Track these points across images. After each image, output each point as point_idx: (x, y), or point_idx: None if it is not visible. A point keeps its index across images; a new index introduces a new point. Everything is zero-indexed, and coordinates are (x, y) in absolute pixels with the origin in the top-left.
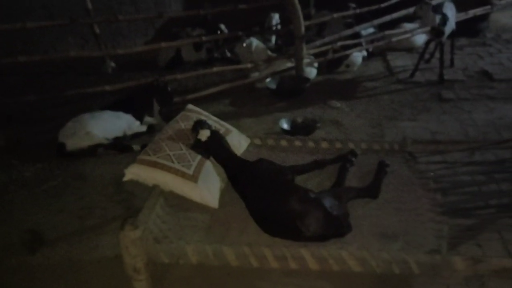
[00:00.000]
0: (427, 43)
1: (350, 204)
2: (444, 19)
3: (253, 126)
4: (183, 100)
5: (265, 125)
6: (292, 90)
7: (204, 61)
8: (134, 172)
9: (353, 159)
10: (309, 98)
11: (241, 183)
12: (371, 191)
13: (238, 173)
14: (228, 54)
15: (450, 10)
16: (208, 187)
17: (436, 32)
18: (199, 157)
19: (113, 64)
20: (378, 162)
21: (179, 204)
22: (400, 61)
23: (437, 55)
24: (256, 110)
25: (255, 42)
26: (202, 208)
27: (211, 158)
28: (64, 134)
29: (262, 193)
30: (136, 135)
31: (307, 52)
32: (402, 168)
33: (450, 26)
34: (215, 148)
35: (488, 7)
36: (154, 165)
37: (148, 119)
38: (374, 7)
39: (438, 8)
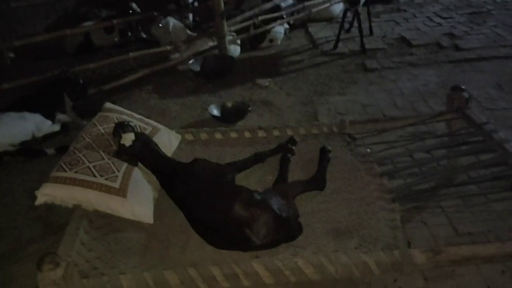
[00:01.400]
0: (344, 13)
1: (297, 200)
2: None
3: (181, 114)
4: (99, 91)
5: (194, 111)
6: (218, 71)
7: (118, 44)
8: (48, 193)
9: (293, 147)
10: (236, 78)
11: (176, 189)
12: (317, 182)
13: (172, 178)
14: (144, 35)
15: None
16: (139, 200)
17: (350, 1)
18: (125, 165)
19: (11, 55)
20: (320, 149)
21: (107, 224)
22: (322, 32)
23: (356, 24)
24: (182, 95)
25: (172, 21)
26: (135, 225)
27: (140, 164)
28: None
29: (202, 199)
30: (49, 136)
31: (228, 29)
32: (344, 152)
33: None
34: (143, 153)
35: None
36: (72, 182)
37: (60, 116)
38: None
39: None
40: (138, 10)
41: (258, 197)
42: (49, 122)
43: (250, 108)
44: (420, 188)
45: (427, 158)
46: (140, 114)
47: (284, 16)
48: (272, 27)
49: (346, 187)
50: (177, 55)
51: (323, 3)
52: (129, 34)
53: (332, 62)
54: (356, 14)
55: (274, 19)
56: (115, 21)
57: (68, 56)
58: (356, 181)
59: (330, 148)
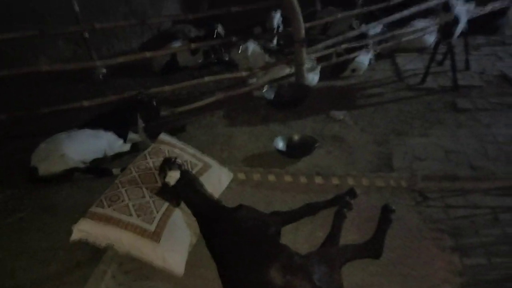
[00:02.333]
0: (437, 44)
1: (346, 267)
2: (456, 18)
3: (246, 144)
4: (172, 113)
5: (260, 142)
6: (292, 100)
7: (201, 65)
8: (84, 230)
9: (352, 201)
10: (310, 108)
11: (214, 238)
12: (372, 249)
13: (212, 224)
14: (226, 57)
15: (460, 8)
16: (173, 247)
17: (443, 33)
18: (165, 205)
19: (104, 70)
20: (382, 207)
21: (137, 269)
22: (411, 64)
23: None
24: (252, 123)
25: (251, 46)
26: (165, 273)
27: (182, 205)
28: (36, 157)
29: (238, 254)
30: (119, 155)
31: (308, 56)
32: (410, 214)
33: (460, 26)
34: (186, 193)
35: (507, 0)
36: (108, 220)
37: (132, 136)
38: (382, 4)
39: (449, 6)
40: (223, 32)
41: (298, 261)
42: (121, 141)
43: (317, 145)
44: (500, 277)
45: None
46: (207, 139)
47: (370, 45)
48: (356, 56)
49: (406, 259)
50: (254, 80)
51: (415, 32)
52: (212, 56)
53: (417, 98)
54: (450, 47)
55: (359, 48)
56: (193, 46)
57: (154, 75)
58: (419, 254)
59: (394, 207)
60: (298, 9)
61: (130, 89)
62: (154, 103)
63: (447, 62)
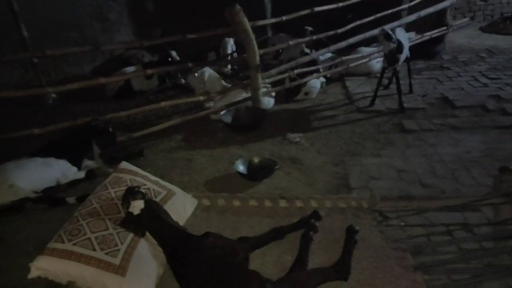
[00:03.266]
0: (383, 70)
1: None
2: (400, 46)
3: (207, 168)
4: (128, 138)
5: (221, 165)
6: (249, 124)
7: (157, 90)
8: (43, 268)
9: (317, 223)
10: (267, 131)
11: (182, 269)
12: (340, 271)
13: (179, 254)
14: (182, 81)
15: (403, 37)
16: (139, 279)
17: (389, 60)
18: (130, 237)
19: (54, 95)
20: (347, 229)
21: None
22: (359, 88)
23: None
24: (211, 146)
25: (207, 71)
26: None
27: (147, 235)
28: None
29: (207, 284)
30: (74, 183)
31: (263, 81)
32: (373, 234)
33: (405, 53)
34: (151, 223)
35: (444, 28)
36: (69, 256)
37: (87, 163)
38: (331, 32)
39: (391, 36)
40: (178, 58)
41: None
42: (75, 169)
43: (277, 167)
44: None
45: (476, 250)
46: (166, 164)
47: (321, 70)
48: (308, 80)
49: (373, 280)
50: (210, 104)
51: (362, 58)
52: (168, 80)
53: (367, 120)
54: (395, 73)
55: (311, 72)
56: (149, 72)
57: (108, 99)
58: (385, 274)
59: (358, 228)
60: (252, 36)
61: (82, 114)
62: (110, 129)
63: (393, 86)
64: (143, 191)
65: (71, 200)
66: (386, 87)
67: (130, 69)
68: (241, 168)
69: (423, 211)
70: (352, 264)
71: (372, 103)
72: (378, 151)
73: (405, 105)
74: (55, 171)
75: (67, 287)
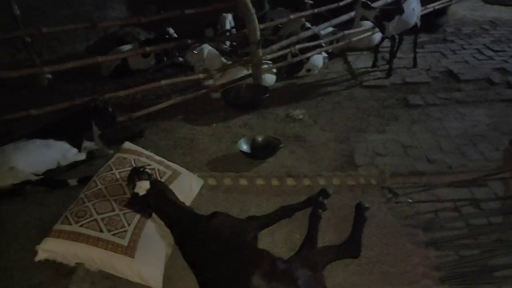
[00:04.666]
0: (381, 40)
1: (328, 268)
2: (382, 14)
3: (209, 147)
4: (129, 118)
5: (223, 144)
6: (250, 101)
7: (154, 68)
8: (50, 249)
9: (325, 201)
10: (269, 108)
11: (191, 249)
12: (351, 248)
13: (187, 234)
14: (180, 59)
15: (410, 4)
16: (149, 261)
17: (379, 27)
18: (137, 218)
19: (49, 76)
20: (355, 206)
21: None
22: (361, 62)
23: (399, 54)
24: (212, 125)
25: (206, 48)
26: None
27: (154, 216)
28: None
29: (218, 264)
30: (74, 165)
31: (264, 57)
32: (383, 211)
33: (406, 22)
34: (157, 203)
35: (448, 0)
36: (76, 237)
37: (87, 144)
38: (332, 6)
39: (367, 4)
40: (175, 35)
41: (282, 266)
42: (75, 151)
43: (281, 145)
44: (475, 268)
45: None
46: (167, 144)
47: (323, 45)
48: (310, 56)
49: (384, 256)
50: (210, 82)
51: (364, 31)
52: (165, 58)
53: (371, 95)
54: (392, 41)
55: (313, 48)
56: (148, 49)
57: (103, 79)
58: (396, 250)
59: (367, 205)
60: (252, 10)
61: (79, 95)
62: (110, 109)
63: (396, 61)
64: (149, 171)
65: (72, 182)
66: (388, 61)
67: (126, 47)
68: (244, 147)
69: (431, 187)
70: (362, 242)
71: (389, 74)
72: (383, 127)
73: (409, 79)
74: (55, 152)
75: (75, 268)
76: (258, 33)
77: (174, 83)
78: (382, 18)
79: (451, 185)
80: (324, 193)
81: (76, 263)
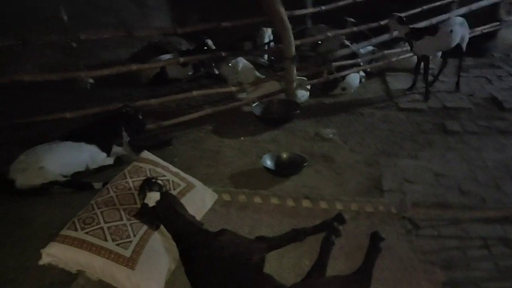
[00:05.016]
0: (418, 62)
1: None
2: (412, 31)
3: (234, 161)
4: (158, 127)
5: (249, 158)
6: (281, 117)
7: (191, 78)
8: (54, 254)
9: (340, 227)
10: (299, 125)
11: (194, 266)
12: (360, 281)
13: (192, 251)
14: (216, 71)
15: (449, 26)
16: (149, 275)
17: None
18: (144, 229)
19: (91, 80)
20: (371, 235)
21: None
22: (400, 83)
23: (441, 77)
24: (240, 139)
25: (241, 62)
26: None
27: (162, 228)
28: (15, 169)
29: (217, 284)
30: (102, 169)
31: (298, 73)
32: (400, 243)
33: (439, 43)
34: (166, 216)
35: (497, 23)
36: (80, 244)
37: (116, 149)
38: (373, 24)
39: (402, 19)
40: (213, 47)
41: None
42: (104, 155)
43: (305, 164)
44: None
45: None
46: (193, 154)
47: (361, 64)
48: (347, 75)
49: None
50: (243, 95)
51: (405, 52)
52: (202, 69)
53: (407, 118)
54: (424, 61)
55: (350, 66)
56: (181, 60)
57: (142, 86)
58: (409, 287)
59: (383, 235)
60: (288, 26)
61: (116, 100)
62: (140, 116)
63: (437, 85)
64: (160, 182)
65: (97, 185)
66: (430, 84)
67: (166, 56)
68: (268, 163)
69: (459, 222)
70: (374, 274)
71: (427, 97)
72: (416, 152)
73: (449, 104)
74: (85, 155)
75: (77, 275)
76: (293, 48)
77: (206, 94)
78: (412, 36)
79: (482, 220)
80: (340, 218)
81: (78, 270)
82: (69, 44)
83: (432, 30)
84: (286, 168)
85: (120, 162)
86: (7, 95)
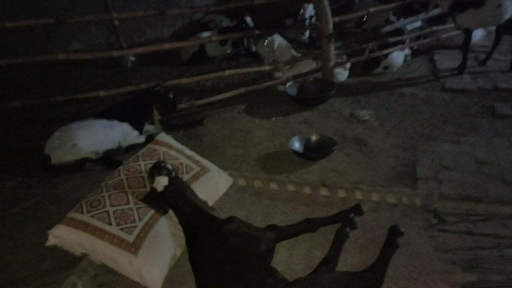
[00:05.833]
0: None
1: None
2: (455, 4)
3: (263, 142)
4: (190, 106)
5: (278, 140)
6: (314, 98)
7: (229, 56)
8: (59, 236)
9: (357, 219)
10: (334, 106)
11: (198, 253)
12: (372, 278)
13: (198, 237)
14: (254, 49)
15: (509, 1)
16: (152, 261)
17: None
18: (150, 214)
19: (132, 58)
20: (389, 229)
21: (112, 282)
22: (449, 62)
23: (495, 55)
24: (272, 119)
25: (277, 40)
26: None
27: (170, 213)
28: (50, 145)
29: (220, 274)
30: (133, 147)
31: (338, 52)
32: (421, 239)
33: (485, 17)
34: (174, 201)
35: None
36: (85, 227)
37: (148, 127)
38: None
39: None
40: (251, 24)
41: None
42: (135, 133)
43: (335, 147)
44: None
45: None
46: (223, 135)
47: (407, 41)
48: (389, 53)
49: None
50: (279, 74)
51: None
52: (241, 47)
53: (452, 100)
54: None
55: (393, 44)
56: (214, 38)
57: (182, 64)
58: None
59: (403, 229)
60: (326, 2)
61: (155, 78)
62: (171, 95)
63: (490, 63)
64: (169, 167)
65: None
66: (482, 63)
67: (206, 34)
68: (297, 145)
69: (491, 218)
70: (388, 272)
71: (486, 59)
72: (459, 137)
73: (501, 85)
74: (117, 133)
75: (81, 258)
76: (331, 26)
77: (240, 73)
78: (454, 8)
79: None
80: (357, 209)
81: (82, 253)
82: (112, 22)
83: (478, 3)
84: (315, 151)
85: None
86: (54, 72)
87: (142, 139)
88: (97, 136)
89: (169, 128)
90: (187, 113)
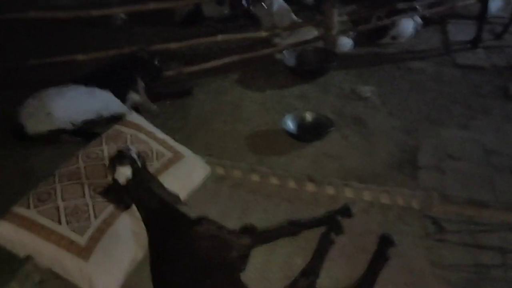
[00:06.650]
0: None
1: None
2: None
3: (254, 117)
4: (178, 74)
5: (270, 116)
6: (314, 69)
7: (227, 17)
8: (1, 234)
9: (342, 225)
10: (334, 79)
11: (159, 256)
12: None
13: (161, 238)
14: (253, 10)
15: None
16: (106, 266)
17: None
18: (108, 210)
19: (123, 16)
20: (380, 237)
21: None
22: (463, 34)
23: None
24: (265, 92)
25: (276, 2)
26: None
27: (134, 209)
28: (23, 114)
29: (180, 284)
30: (115, 118)
31: (342, 18)
32: (416, 250)
33: None
34: (137, 195)
35: None
36: (29, 226)
37: (133, 95)
38: None
39: None
40: None
41: None
42: (118, 102)
43: (331, 129)
44: None
45: None
46: (212, 108)
47: (418, 8)
48: (398, 21)
49: None
50: (279, 40)
51: None
52: (239, 8)
53: (463, 78)
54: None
55: (403, 11)
56: None
57: (176, 24)
58: None
59: (395, 239)
60: None
61: (144, 39)
62: (156, 62)
63: (507, 36)
64: (134, 156)
65: None
66: (498, 36)
67: None
68: (290, 125)
69: (500, 227)
70: (376, 287)
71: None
72: (467, 120)
73: None
74: (97, 102)
75: (25, 261)
76: None
77: (233, 39)
78: None
79: None
80: (345, 211)
81: (26, 255)
82: None
83: None
84: (309, 132)
85: (136, 111)
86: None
87: (125, 108)
88: (74, 104)
89: (155, 99)
90: (175, 81)
